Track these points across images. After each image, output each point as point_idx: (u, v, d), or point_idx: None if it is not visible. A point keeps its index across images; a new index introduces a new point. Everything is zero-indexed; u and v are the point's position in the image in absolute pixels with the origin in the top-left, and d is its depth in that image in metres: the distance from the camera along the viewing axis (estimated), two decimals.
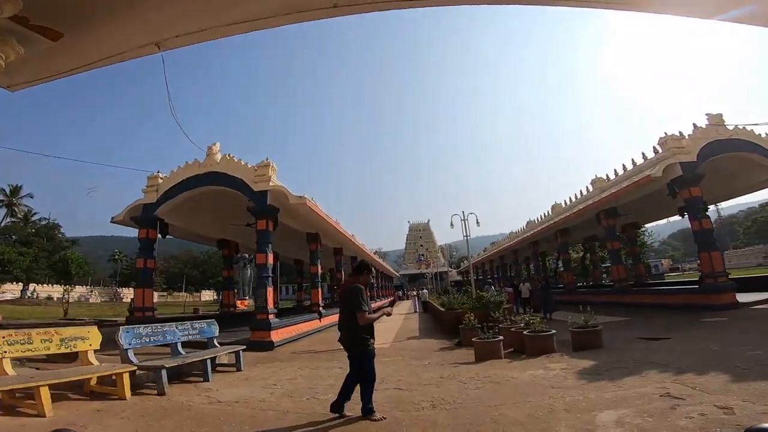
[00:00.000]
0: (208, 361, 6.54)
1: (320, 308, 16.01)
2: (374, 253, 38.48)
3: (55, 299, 47.25)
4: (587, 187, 20.88)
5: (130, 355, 5.64)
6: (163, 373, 5.53)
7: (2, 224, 49.20)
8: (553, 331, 7.27)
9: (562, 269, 35.64)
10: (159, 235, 14.26)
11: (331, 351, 10.13)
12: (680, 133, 13.80)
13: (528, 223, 30.28)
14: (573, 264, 33.07)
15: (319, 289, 16.51)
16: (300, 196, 12.29)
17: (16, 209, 50.56)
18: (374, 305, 34.67)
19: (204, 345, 7.67)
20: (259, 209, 12.11)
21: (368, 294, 4.33)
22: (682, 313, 12.08)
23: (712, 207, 25.40)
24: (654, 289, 16.31)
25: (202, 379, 6.52)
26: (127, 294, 65.07)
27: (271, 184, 12.30)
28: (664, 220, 29.15)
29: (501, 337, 7.32)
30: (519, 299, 17.90)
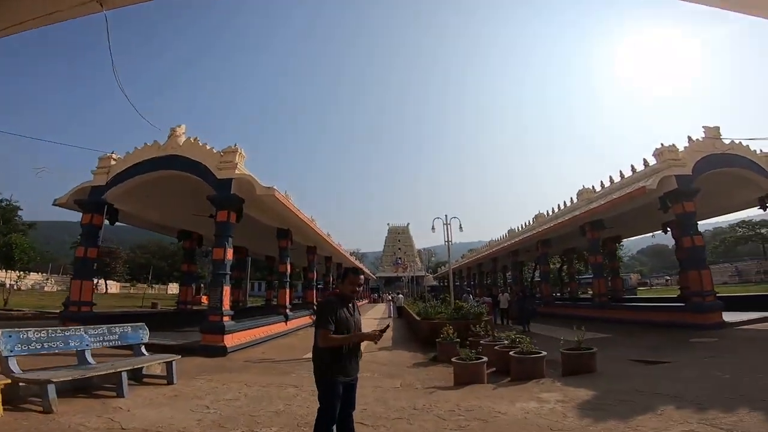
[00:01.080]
0: (124, 374, 5.32)
1: (287, 310, 14.77)
2: (350, 254, 37.31)
3: (7, 286, 43.85)
4: (571, 198, 20.47)
5: (11, 364, 4.39)
6: (50, 388, 4.31)
7: None
8: (544, 354, 6.36)
9: (539, 279, 35.51)
10: (107, 222, 12.78)
11: (292, 361, 8.99)
12: (672, 145, 13.34)
13: (509, 231, 29.80)
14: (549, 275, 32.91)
15: (288, 290, 15.26)
16: (268, 187, 11.09)
17: None
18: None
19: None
20: (220, 198, 10.85)
21: (352, 307, 3.18)
22: (666, 331, 11.50)
23: None
24: (636, 306, 15.83)
25: (116, 394, 5.30)
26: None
27: (237, 171, 11.08)
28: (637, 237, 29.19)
29: (485, 359, 6.35)
30: (497, 310, 17.18)
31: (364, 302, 47.77)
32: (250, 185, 11.01)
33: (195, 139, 11.86)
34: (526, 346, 6.47)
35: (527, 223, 27.30)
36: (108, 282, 64.63)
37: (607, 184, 17.63)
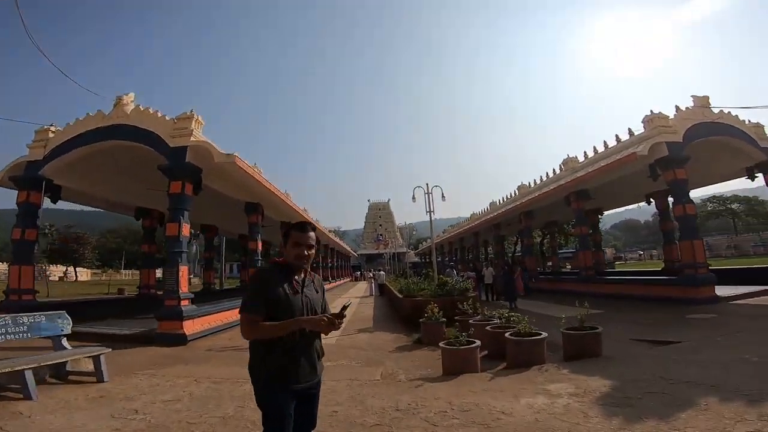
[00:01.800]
0: (27, 373, 4.26)
1: None
2: (329, 231, 36.22)
3: None
4: (554, 170, 19.82)
5: None
6: None
7: None
8: (544, 335, 5.54)
9: (520, 254, 35.46)
10: (49, 200, 11.26)
11: None
12: (660, 113, 12.67)
13: (491, 204, 29.20)
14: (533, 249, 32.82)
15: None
16: (228, 154, 9.78)
17: None
18: (329, 286, 32.60)
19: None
20: (173, 168, 9.54)
21: (302, 281, 2.14)
22: (657, 306, 11.05)
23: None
24: (624, 279, 15.45)
25: (23, 396, 4.24)
26: (55, 271, 58.46)
27: (192, 139, 9.73)
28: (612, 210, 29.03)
29: (477, 343, 5.48)
30: (482, 285, 16.59)
31: (345, 280, 47.07)
32: (208, 153, 9.68)
33: (146, 108, 10.41)
34: (524, 327, 5.64)
35: (510, 195, 26.69)
36: (78, 269, 61.67)
37: (591, 154, 17.02)
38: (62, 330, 5.33)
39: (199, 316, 9.26)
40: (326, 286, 29.23)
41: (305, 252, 2.08)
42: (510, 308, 13.02)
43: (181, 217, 9.32)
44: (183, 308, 8.72)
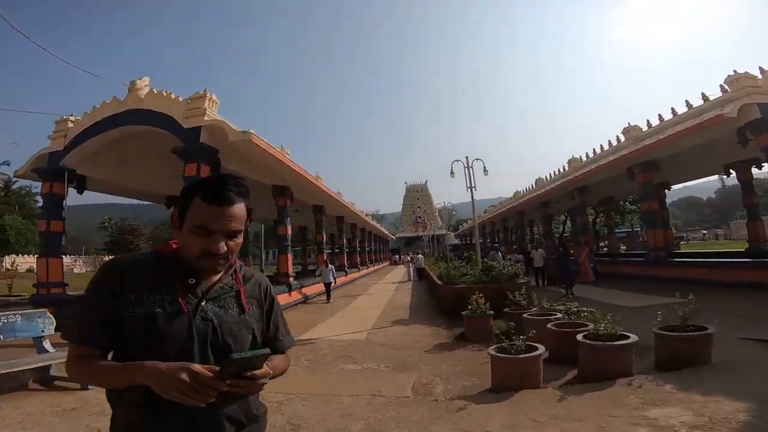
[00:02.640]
0: None
1: (290, 279, 13.04)
2: (366, 215, 35.39)
3: (3, 269, 44.31)
4: (612, 140, 17.51)
5: None
6: None
7: None
8: (633, 338, 4.15)
9: (567, 234, 32.81)
10: (75, 190, 11.07)
11: None
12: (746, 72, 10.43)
13: (537, 181, 26.90)
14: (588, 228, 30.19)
15: (289, 255, 13.45)
16: (243, 131, 8.90)
17: None
18: (367, 271, 31.91)
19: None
20: (187, 149, 8.83)
21: (212, 283, 1.08)
22: (747, 294, 9.14)
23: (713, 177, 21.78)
24: (705, 262, 13.21)
25: None
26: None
27: (206, 118, 8.97)
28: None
29: (540, 351, 4.19)
30: (531, 269, 14.99)
31: (383, 265, 46.45)
32: (222, 132, 8.86)
33: (160, 91, 9.80)
34: (606, 327, 4.25)
35: (557, 171, 24.34)
36: None
37: (654, 122, 14.72)
38: (42, 331, 4.69)
39: None
40: (364, 271, 28.24)
41: (219, 245, 1.01)
42: (565, 295, 11.48)
43: None
44: None
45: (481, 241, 54.67)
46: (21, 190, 51.47)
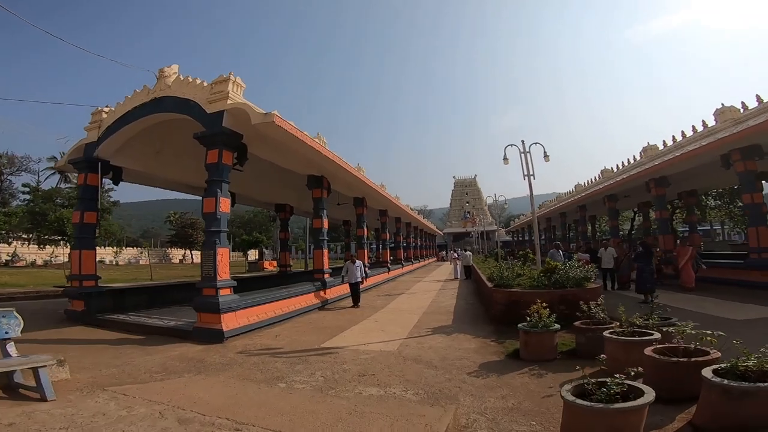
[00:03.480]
0: None
1: (324, 275, 12.20)
2: (413, 210, 34.11)
3: (107, 262, 48.14)
4: (697, 126, 14.80)
5: None
6: None
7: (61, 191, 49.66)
8: None
9: (634, 232, 29.29)
10: (111, 182, 10.99)
11: (303, 352, 6.22)
12: None
13: (603, 171, 24.08)
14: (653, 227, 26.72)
15: (324, 250, 12.61)
16: (266, 113, 8.04)
17: (68, 175, 50.75)
18: (411, 267, 30.68)
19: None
20: (208, 135, 8.16)
21: None
22: None
23: None
24: None
25: None
26: (175, 254, 66.80)
27: (229, 102, 8.25)
28: None
29: (645, 399, 2.75)
30: (599, 270, 12.94)
31: (430, 261, 44.96)
32: (246, 115, 8.07)
33: (185, 77, 9.29)
34: (762, 361, 2.73)
35: (628, 161, 21.47)
36: (193, 252, 69.40)
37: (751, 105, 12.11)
38: (6, 333, 4.04)
39: (242, 308, 7.85)
40: (408, 268, 27.06)
41: None
42: (644, 302, 9.56)
43: (219, 191, 7.92)
44: (221, 299, 7.34)
45: (532, 237, 51.24)
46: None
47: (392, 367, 5.36)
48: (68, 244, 36.56)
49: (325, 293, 11.83)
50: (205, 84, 8.87)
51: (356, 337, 7.31)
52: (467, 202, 69.64)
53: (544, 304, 5.73)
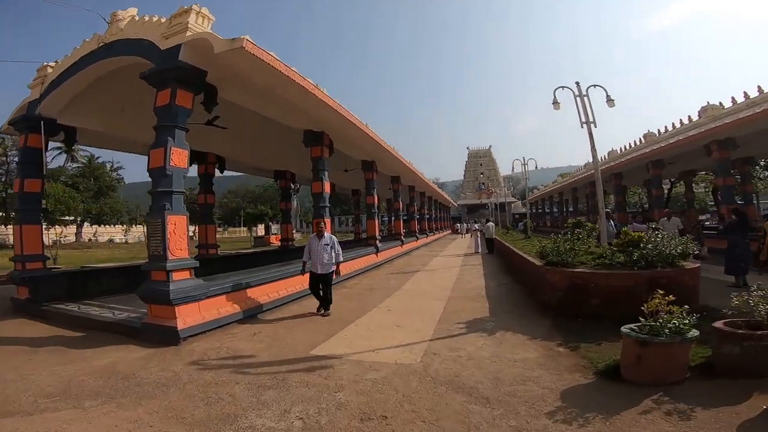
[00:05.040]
0: None
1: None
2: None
3: (117, 240, 47.16)
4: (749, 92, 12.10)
5: None
6: None
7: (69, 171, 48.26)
8: None
9: (684, 203, 26.51)
10: (64, 144, 8.97)
11: (282, 365, 4.17)
12: None
13: (645, 136, 21.20)
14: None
15: (327, 219, 10.46)
16: (234, 39, 5.74)
17: (75, 155, 49.19)
18: (426, 240, 28.38)
19: None
20: (158, 72, 6.00)
21: None
22: None
23: None
24: None
25: None
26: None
27: (188, 34, 5.99)
28: None
29: None
30: None
31: (444, 233, 42.78)
32: (208, 46, 5.80)
33: (141, 17, 7.03)
34: None
35: (679, 123, 18.59)
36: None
37: None
38: None
39: (210, 297, 5.85)
40: (423, 240, 24.13)
41: None
42: (736, 285, 7.35)
43: (170, 139, 5.78)
44: (174, 285, 5.32)
45: (557, 211, 48.57)
46: (105, 165, 54.38)
47: (416, 401, 3.32)
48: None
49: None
50: (163, 20, 6.63)
51: (362, 337, 5.27)
52: (482, 173, 66.66)
53: (662, 298, 3.56)
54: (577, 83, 8.10)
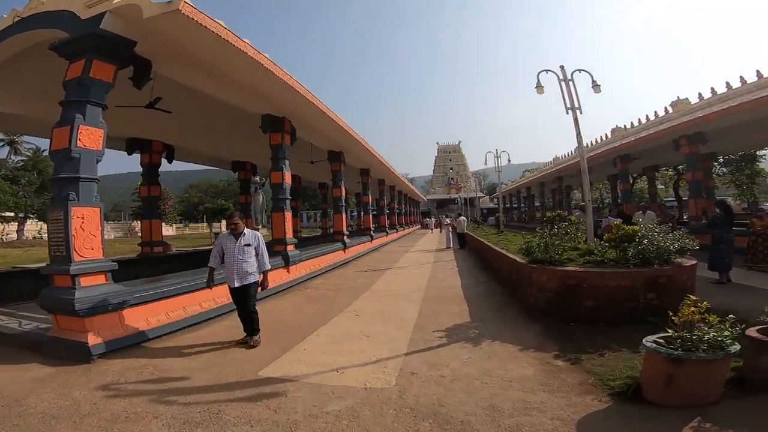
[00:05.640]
0: None
1: (288, 247, 9.17)
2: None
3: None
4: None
5: None
6: None
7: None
8: None
9: (647, 196, 27.14)
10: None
11: (219, 394, 3.21)
12: None
13: (614, 130, 21.41)
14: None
15: (287, 213, 9.47)
16: (168, 1, 4.64)
17: (19, 147, 45.04)
18: (396, 235, 27.68)
19: None
20: (71, 41, 4.90)
21: None
22: None
23: None
24: None
25: None
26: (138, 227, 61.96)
27: (116, 0, 4.80)
28: None
29: None
30: None
31: (414, 228, 42.32)
32: (138, 10, 4.67)
33: None
34: None
35: (640, 121, 18.82)
36: (163, 224, 64.49)
37: None
38: None
39: (132, 305, 4.75)
40: (393, 236, 22.77)
41: None
42: (719, 282, 7.09)
43: (79, 117, 4.62)
44: (81, 293, 4.22)
45: (515, 204, 49.26)
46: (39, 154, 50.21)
47: None
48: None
49: (288, 271, 8.83)
50: None
51: (324, 351, 4.39)
52: (451, 168, 66.91)
53: (693, 299, 2.93)
54: (562, 67, 7.51)
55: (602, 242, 5.73)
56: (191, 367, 4.01)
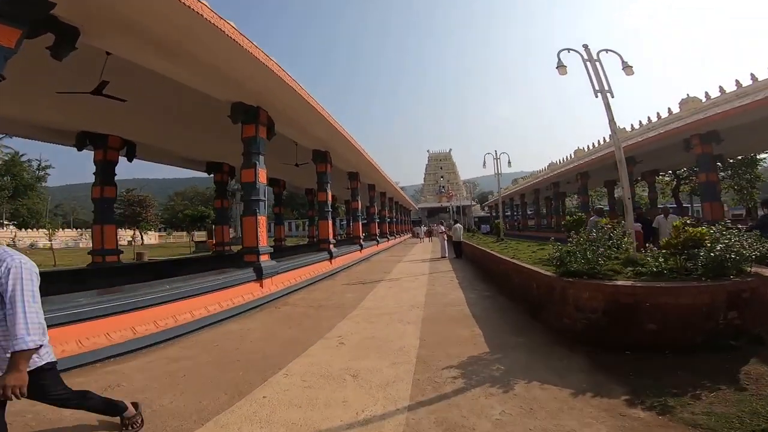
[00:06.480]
0: None
1: (261, 257, 7.84)
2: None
3: (41, 246, 41.34)
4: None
5: None
6: None
7: None
8: None
9: (646, 205, 26.49)
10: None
11: None
12: None
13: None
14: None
15: (260, 217, 8.14)
16: None
17: None
18: (387, 244, 26.33)
19: None
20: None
21: None
22: None
23: None
24: None
25: None
26: (124, 235, 59.58)
27: None
28: None
29: None
30: (651, 240, 9.35)
31: (405, 237, 41.03)
32: None
33: None
34: None
35: (642, 122, 18.10)
36: (143, 233, 62.24)
37: None
38: None
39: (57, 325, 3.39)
40: (384, 245, 20.83)
41: None
42: None
43: None
44: None
45: (509, 213, 48.49)
46: (28, 163, 48.39)
47: None
48: None
49: (262, 285, 7.48)
50: None
51: (291, 403, 3.06)
52: (442, 177, 66.17)
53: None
54: (586, 46, 6.45)
55: (649, 249, 4.56)
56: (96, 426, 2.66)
